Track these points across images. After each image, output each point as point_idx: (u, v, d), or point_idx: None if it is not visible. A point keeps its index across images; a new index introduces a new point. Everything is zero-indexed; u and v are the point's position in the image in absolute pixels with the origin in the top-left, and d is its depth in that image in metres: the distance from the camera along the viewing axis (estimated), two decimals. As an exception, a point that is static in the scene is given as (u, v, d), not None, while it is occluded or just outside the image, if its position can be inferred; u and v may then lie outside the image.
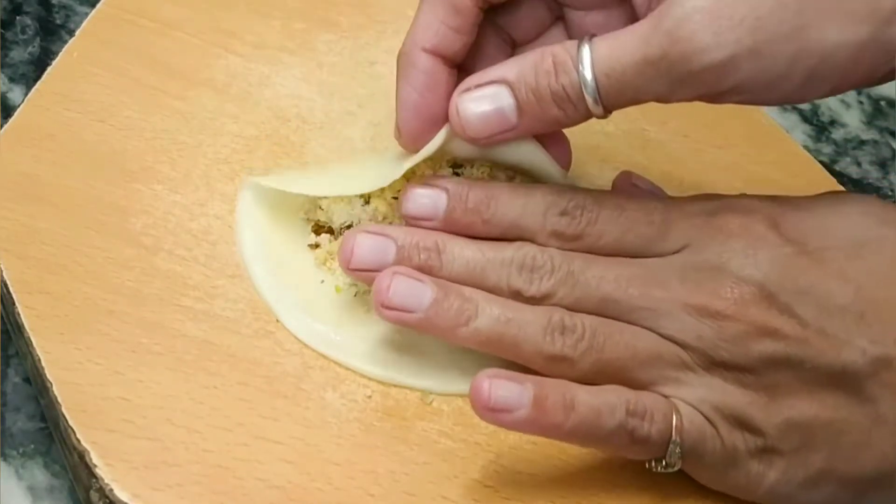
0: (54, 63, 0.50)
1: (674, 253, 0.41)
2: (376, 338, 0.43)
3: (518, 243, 0.42)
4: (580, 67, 0.39)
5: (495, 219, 0.42)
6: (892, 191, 0.60)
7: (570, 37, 0.44)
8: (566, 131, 0.44)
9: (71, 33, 0.52)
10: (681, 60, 0.38)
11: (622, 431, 0.38)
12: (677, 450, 0.39)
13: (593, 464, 0.42)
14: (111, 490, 0.38)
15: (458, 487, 0.41)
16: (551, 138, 0.44)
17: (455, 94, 0.41)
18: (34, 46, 0.56)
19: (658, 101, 0.40)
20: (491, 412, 0.38)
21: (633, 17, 0.41)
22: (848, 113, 0.63)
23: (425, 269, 0.41)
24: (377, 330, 0.43)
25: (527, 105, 0.41)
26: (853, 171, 0.61)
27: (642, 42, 0.38)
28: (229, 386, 0.41)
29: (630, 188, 0.47)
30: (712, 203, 0.42)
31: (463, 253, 0.41)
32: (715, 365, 0.39)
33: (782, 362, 0.39)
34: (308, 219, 0.46)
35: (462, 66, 0.43)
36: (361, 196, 0.45)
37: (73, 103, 0.48)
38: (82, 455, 0.39)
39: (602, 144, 0.52)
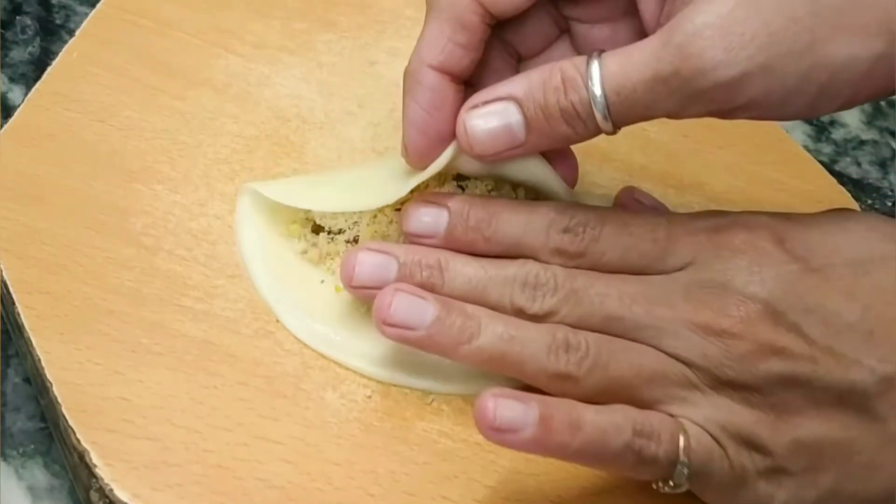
0: (54, 63, 0.50)
1: (678, 270, 0.40)
2: (376, 338, 0.43)
3: (521, 261, 0.41)
4: (590, 84, 0.39)
5: (497, 236, 0.42)
6: (892, 191, 0.60)
7: (577, 50, 0.44)
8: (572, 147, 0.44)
9: (71, 33, 0.52)
10: (692, 77, 0.37)
11: (629, 452, 0.37)
12: (685, 470, 0.38)
13: (593, 464, 0.42)
14: (111, 490, 0.38)
15: (458, 487, 0.41)
16: (558, 155, 0.44)
17: (462, 110, 0.41)
18: (34, 46, 0.56)
19: (668, 117, 0.39)
20: (496, 432, 0.37)
21: (641, 31, 0.41)
22: (848, 113, 0.63)
23: (427, 287, 0.41)
24: (377, 330, 0.43)
25: (535, 122, 0.40)
26: (853, 171, 0.61)
27: (653, 58, 0.38)
28: (229, 386, 0.41)
29: (633, 204, 0.46)
30: (716, 219, 0.41)
31: (465, 270, 0.41)
32: (721, 384, 0.38)
33: (790, 381, 0.38)
34: (308, 219, 0.46)
35: (467, 81, 0.42)
36: None
37: (73, 103, 0.48)
38: (82, 455, 0.39)
39: (602, 144, 0.51)
